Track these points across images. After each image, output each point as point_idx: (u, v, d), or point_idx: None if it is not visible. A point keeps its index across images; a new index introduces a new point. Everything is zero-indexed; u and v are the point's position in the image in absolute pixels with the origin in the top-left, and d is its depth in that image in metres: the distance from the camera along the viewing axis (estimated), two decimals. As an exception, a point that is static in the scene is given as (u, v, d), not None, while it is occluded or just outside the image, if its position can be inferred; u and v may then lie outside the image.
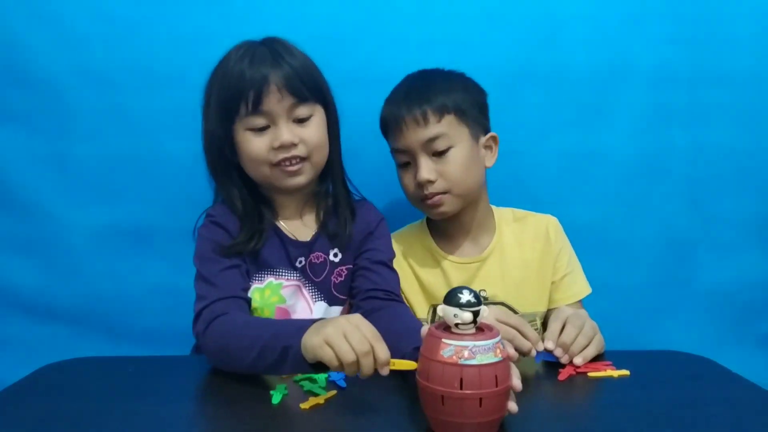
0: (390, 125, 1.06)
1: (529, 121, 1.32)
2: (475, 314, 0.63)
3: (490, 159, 1.10)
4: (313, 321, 0.76)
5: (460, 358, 0.62)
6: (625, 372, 0.83)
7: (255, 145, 0.93)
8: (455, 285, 1.07)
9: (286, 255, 0.99)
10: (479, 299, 0.64)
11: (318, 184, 1.04)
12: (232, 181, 0.98)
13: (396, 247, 1.12)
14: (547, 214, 1.18)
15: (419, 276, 1.13)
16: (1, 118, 1.29)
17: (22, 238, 1.31)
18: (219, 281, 0.90)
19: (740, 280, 1.37)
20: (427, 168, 1.03)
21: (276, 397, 0.75)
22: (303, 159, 0.95)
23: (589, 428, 0.69)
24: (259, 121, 0.92)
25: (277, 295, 0.98)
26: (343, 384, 0.80)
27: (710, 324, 1.37)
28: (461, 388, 0.61)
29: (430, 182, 1.03)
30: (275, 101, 0.91)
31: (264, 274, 0.98)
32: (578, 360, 0.86)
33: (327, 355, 0.69)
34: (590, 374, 0.83)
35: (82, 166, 1.30)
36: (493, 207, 1.18)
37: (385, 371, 0.69)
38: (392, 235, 1.16)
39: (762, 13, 1.31)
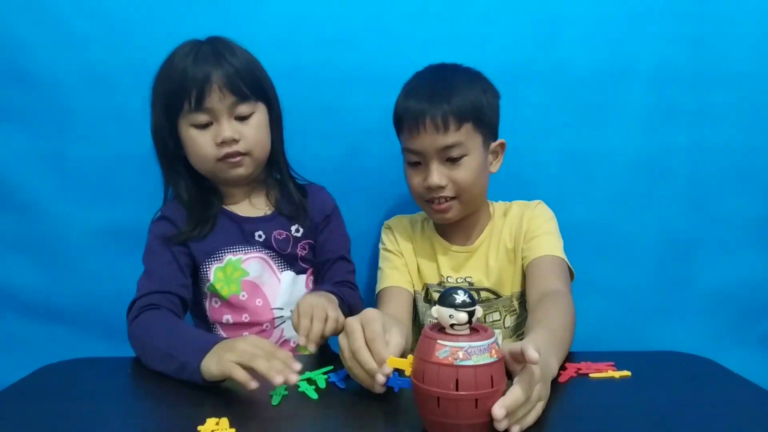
0: (407, 124, 1.03)
1: (530, 120, 1.32)
2: (470, 314, 0.63)
3: (495, 165, 1.11)
4: (215, 341, 0.80)
5: (455, 359, 0.61)
6: (627, 373, 0.83)
7: (199, 141, 0.98)
8: (443, 270, 1.13)
9: (240, 232, 1.05)
10: (474, 300, 0.64)
11: (264, 173, 1.10)
12: (178, 172, 1.04)
13: (402, 225, 1.18)
14: (534, 201, 1.16)
15: (416, 255, 1.16)
16: (1, 117, 1.29)
17: (22, 238, 1.31)
18: (156, 275, 0.98)
19: (741, 281, 1.37)
20: (438, 173, 1.02)
21: (275, 399, 0.75)
22: (243, 154, 1.00)
23: (589, 428, 0.69)
24: (202, 118, 0.97)
25: (239, 269, 1.03)
26: (342, 385, 0.80)
27: (711, 324, 1.37)
28: (457, 389, 0.61)
29: (441, 188, 1.03)
30: (217, 99, 0.96)
31: (221, 253, 1.03)
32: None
33: (238, 377, 0.72)
34: (591, 375, 0.83)
35: (82, 166, 1.30)
36: (493, 202, 1.18)
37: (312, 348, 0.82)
38: (402, 216, 1.22)
39: (764, 13, 1.31)
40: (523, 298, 1.13)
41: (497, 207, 1.18)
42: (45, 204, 1.31)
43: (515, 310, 1.13)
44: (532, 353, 0.62)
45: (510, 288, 1.13)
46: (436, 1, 1.29)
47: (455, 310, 0.63)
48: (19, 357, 1.27)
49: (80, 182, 1.31)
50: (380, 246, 1.20)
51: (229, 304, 1.04)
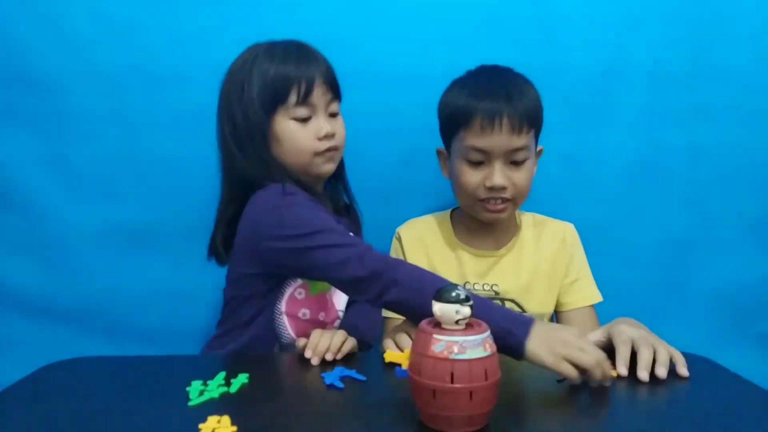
0: (479, 121, 1.00)
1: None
2: (471, 308, 0.65)
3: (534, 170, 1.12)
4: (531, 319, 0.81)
5: (450, 353, 0.64)
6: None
7: (301, 134, 0.99)
8: (469, 275, 1.12)
9: None
10: (470, 294, 0.66)
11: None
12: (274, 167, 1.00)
13: (414, 232, 1.17)
14: (565, 222, 1.20)
15: (433, 262, 1.14)
16: (2, 118, 1.29)
17: (22, 238, 1.31)
18: (345, 232, 0.94)
19: (740, 280, 1.37)
20: (502, 174, 1.02)
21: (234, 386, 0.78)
22: (336, 149, 1.03)
23: (588, 428, 0.69)
24: (304, 112, 0.99)
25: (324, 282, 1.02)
26: (340, 385, 0.80)
27: (710, 324, 1.37)
28: (452, 382, 0.63)
29: (503, 188, 1.03)
30: (320, 94, 1.00)
31: None
32: (644, 375, 0.81)
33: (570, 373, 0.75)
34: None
35: (83, 166, 1.30)
36: (517, 210, 1.18)
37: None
38: (414, 220, 1.20)
39: (761, 13, 1.31)
40: (550, 318, 1.15)
41: (523, 216, 1.19)
42: (47, 204, 1.31)
43: None
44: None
45: (539, 306, 1.12)
46: (436, 2, 1.30)
47: (460, 305, 0.64)
48: (20, 357, 1.27)
49: (82, 183, 1.31)
50: (392, 249, 1.19)
51: (314, 299, 1.03)
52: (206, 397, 0.76)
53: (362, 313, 1.10)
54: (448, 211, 1.21)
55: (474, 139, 1.02)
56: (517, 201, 1.08)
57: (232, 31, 1.27)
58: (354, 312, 1.10)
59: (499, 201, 1.05)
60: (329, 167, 1.03)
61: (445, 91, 1.11)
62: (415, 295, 0.82)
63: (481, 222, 1.13)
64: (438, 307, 0.66)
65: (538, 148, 1.12)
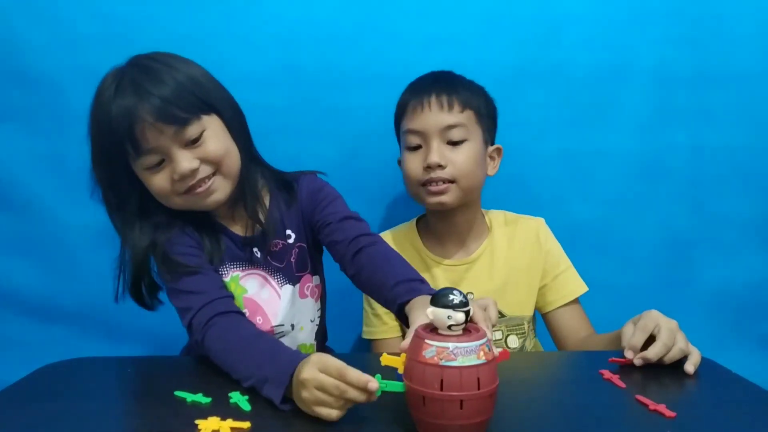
0: (411, 105, 1.07)
1: (530, 120, 1.33)
2: (467, 314, 0.63)
3: (492, 169, 1.12)
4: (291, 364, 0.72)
5: (441, 359, 0.62)
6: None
7: (156, 183, 0.87)
8: (442, 285, 1.07)
9: (238, 249, 0.98)
10: (467, 299, 0.64)
11: (236, 190, 0.94)
12: (132, 214, 0.92)
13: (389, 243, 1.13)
14: (536, 217, 1.18)
15: None
16: (1, 117, 1.30)
17: (22, 238, 1.32)
18: (196, 288, 0.88)
19: (741, 281, 1.37)
20: (439, 152, 1.04)
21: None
22: (212, 176, 0.89)
23: (588, 428, 0.69)
24: (152, 159, 0.86)
25: (239, 286, 0.98)
26: None
27: (711, 324, 1.38)
28: (441, 389, 0.61)
29: (440, 167, 1.04)
30: (156, 135, 0.83)
31: (227, 268, 0.97)
32: (638, 362, 0.84)
33: (306, 398, 0.68)
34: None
35: (82, 166, 1.29)
36: (485, 210, 1.18)
37: (370, 397, 0.67)
38: (388, 232, 1.19)
39: (762, 13, 1.31)
40: (533, 321, 1.15)
41: (493, 216, 1.18)
42: (45, 204, 1.31)
43: (524, 332, 1.12)
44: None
45: (517, 308, 1.12)
46: (437, 2, 1.30)
47: (453, 310, 0.62)
48: (19, 357, 1.27)
49: (81, 182, 1.30)
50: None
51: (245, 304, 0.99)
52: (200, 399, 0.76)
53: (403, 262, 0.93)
54: (413, 221, 1.20)
55: (408, 122, 1.07)
56: (461, 183, 1.05)
57: (231, 31, 1.28)
58: (399, 263, 0.92)
59: (441, 182, 1.05)
60: (213, 199, 0.90)
61: None
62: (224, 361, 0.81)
63: (446, 225, 1.12)
64: (431, 311, 0.64)
65: (495, 147, 1.12)
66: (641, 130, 1.34)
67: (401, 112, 1.10)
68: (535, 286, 1.13)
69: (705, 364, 0.90)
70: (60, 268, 1.33)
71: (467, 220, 1.13)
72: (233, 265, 0.98)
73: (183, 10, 1.27)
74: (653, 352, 0.83)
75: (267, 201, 1.00)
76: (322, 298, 1.10)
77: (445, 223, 1.12)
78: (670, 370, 0.85)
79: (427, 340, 0.63)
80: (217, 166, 0.89)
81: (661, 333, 0.84)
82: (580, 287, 1.14)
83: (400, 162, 1.15)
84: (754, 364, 1.04)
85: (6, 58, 1.27)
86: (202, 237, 0.94)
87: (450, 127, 1.04)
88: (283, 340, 1.01)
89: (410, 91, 1.09)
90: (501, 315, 1.11)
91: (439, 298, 0.64)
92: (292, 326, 1.03)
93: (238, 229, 0.99)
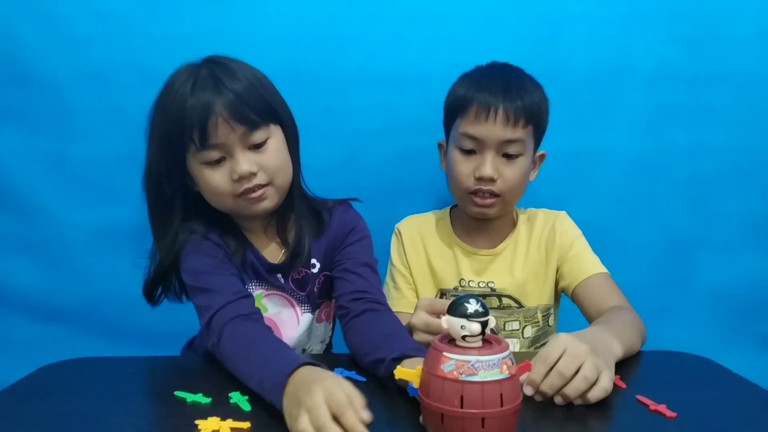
0: (475, 109, 1.01)
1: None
2: (484, 325, 0.59)
3: (533, 174, 1.13)
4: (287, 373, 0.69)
5: (461, 374, 0.57)
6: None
7: (214, 179, 0.88)
8: (464, 273, 1.12)
9: (262, 270, 0.97)
10: (486, 309, 0.60)
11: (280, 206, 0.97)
12: (173, 215, 0.93)
13: (413, 228, 1.16)
14: (557, 211, 1.18)
15: (431, 260, 1.15)
16: (1, 117, 1.30)
17: (22, 238, 1.32)
18: (217, 287, 0.88)
19: (741, 281, 1.37)
20: (493, 166, 1.02)
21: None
22: (265, 185, 0.90)
23: (589, 428, 0.69)
24: (213, 155, 0.87)
25: (260, 304, 0.97)
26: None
27: (711, 324, 1.38)
28: (462, 407, 0.57)
29: (492, 180, 1.03)
30: (225, 133, 0.85)
31: (250, 283, 0.97)
32: (558, 400, 0.72)
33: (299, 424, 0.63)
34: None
35: (82, 166, 1.31)
36: (516, 208, 1.19)
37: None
38: (414, 216, 1.20)
39: (762, 13, 1.31)
40: (548, 311, 1.14)
41: (520, 213, 1.19)
42: (45, 204, 1.31)
43: (537, 322, 1.13)
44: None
45: (535, 300, 1.12)
46: (437, 2, 1.30)
47: (467, 320, 0.58)
48: (19, 357, 1.27)
49: (80, 182, 1.31)
50: (390, 258, 1.19)
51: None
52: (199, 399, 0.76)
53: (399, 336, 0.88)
54: (448, 209, 1.22)
55: (468, 126, 1.03)
56: (506, 198, 1.06)
57: (231, 31, 1.28)
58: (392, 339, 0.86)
59: (488, 195, 1.04)
60: (261, 206, 0.91)
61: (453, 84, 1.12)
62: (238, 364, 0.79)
63: (479, 224, 1.13)
64: (445, 319, 0.60)
65: (540, 153, 1.12)
66: (641, 130, 1.34)
67: (462, 108, 1.03)
68: (552, 275, 1.13)
69: (705, 364, 0.90)
70: (60, 268, 1.33)
71: (500, 220, 1.14)
72: (256, 283, 0.97)
73: (183, 10, 1.27)
74: (547, 384, 0.71)
75: (298, 226, 0.99)
76: (335, 317, 1.08)
77: (479, 221, 1.13)
78: (671, 371, 0.86)
79: (445, 353, 0.59)
80: (272, 178, 0.91)
81: (561, 360, 0.71)
82: (592, 267, 1.08)
83: (441, 146, 1.15)
84: (754, 364, 1.04)
85: (6, 58, 1.27)
86: (230, 250, 0.94)
87: (510, 141, 1.02)
88: None
89: (475, 89, 1.03)
90: (519, 305, 1.11)
91: (455, 306, 0.59)
92: (303, 350, 1.03)
93: (266, 254, 0.98)
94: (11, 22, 1.26)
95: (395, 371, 0.66)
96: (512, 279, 1.12)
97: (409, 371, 0.65)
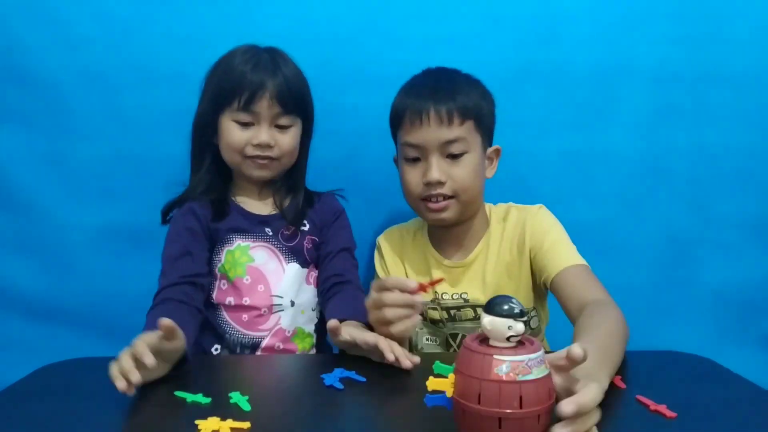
0: (408, 117, 1.03)
1: (530, 120, 1.32)
2: (526, 324, 0.61)
3: (490, 170, 1.11)
4: None
5: (518, 375, 0.57)
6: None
7: (236, 135, 1.06)
8: (439, 287, 1.09)
9: (249, 224, 1.11)
10: (525, 308, 0.61)
11: (280, 178, 1.15)
12: (205, 158, 1.12)
13: (394, 240, 1.18)
14: (534, 205, 1.14)
15: (408, 274, 1.15)
16: (1, 118, 1.30)
17: (22, 238, 1.32)
18: (167, 270, 1.04)
19: (742, 280, 1.37)
20: (438, 169, 1.01)
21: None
22: (273, 159, 1.08)
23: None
24: (246, 118, 1.05)
25: (246, 255, 1.09)
26: (339, 386, 0.80)
27: (712, 324, 1.38)
28: (521, 407, 0.57)
29: (440, 183, 1.02)
30: (265, 106, 1.04)
31: (232, 237, 1.09)
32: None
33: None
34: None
35: (82, 166, 1.31)
36: (490, 205, 1.17)
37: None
38: (394, 228, 1.21)
39: (763, 13, 1.31)
40: (533, 312, 1.12)
41: (494, 210, 1.16)
42: (45, 204, 1.31)
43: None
44: (576, 350, 0.59)
45: None
46: (436, 1, 1.30)
47: (514, 320, 0.58)
48: (20, 357, 1.27)
49: (81, 182, 1.31)
50: (375, 271, 1.19)
51: (233, 286, 1.08)
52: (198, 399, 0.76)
53: (348, 301, 1.06)
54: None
55: (406, 135, 1.04)
56: (461, 198, 1.04)
57: (231, 31, 1.27)
58: (340, 302, 1.07)
59: (441, 198, 1.03)
60: (261, 173, 1.09)
61: None
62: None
63: (446, 232, 1.11)
64: (488, 321, 0.59)
65: (494, 148, 1.10)
66: (641, 130, 1.34)
67: (398, 119, 1.06)
68: (528, 274, 1.08)
69: (705, 364, 0.90)
70: (60, 268, 1.33)
71: (466, 226, 1.12)
72: (243, 236, 1.10)
73: (183, 10, 1.27)
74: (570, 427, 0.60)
75: (292, 195, 1.15)
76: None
77: (445, 230, 1.12)
78: (671, 371, 0.85)
79: (497, 356, 0.58)
80: (281, 155, 1.08)
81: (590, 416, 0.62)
82: (569, 259, 1.02)
83: (396, 161, 1.15)
84: (755, 364, 1.04)
85: (6, 58, 1.27)
86: (217, 207, 1.09)
87: (450, 142, 1.01)
88: (282, 314, 1.09)
89: (407, 97, 1.05)
90: None
91: (496, 307, 0.59)
92: (292, 303, 1.09)
93: (258, 208, 1.13)
94: (11, 22, 1.26)
95: (427, 383, 0.67)
96: (483, 287, 1.10)
97: (440, 380, 0.64)
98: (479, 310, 1.04)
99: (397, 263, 1.16)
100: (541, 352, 0.59)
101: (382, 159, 1.31)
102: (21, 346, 1.33)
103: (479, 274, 1.11)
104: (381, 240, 1.20)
